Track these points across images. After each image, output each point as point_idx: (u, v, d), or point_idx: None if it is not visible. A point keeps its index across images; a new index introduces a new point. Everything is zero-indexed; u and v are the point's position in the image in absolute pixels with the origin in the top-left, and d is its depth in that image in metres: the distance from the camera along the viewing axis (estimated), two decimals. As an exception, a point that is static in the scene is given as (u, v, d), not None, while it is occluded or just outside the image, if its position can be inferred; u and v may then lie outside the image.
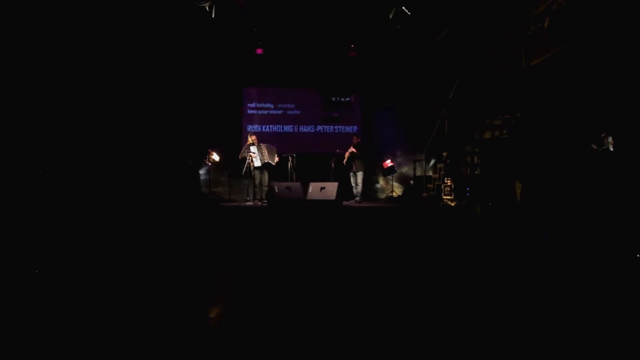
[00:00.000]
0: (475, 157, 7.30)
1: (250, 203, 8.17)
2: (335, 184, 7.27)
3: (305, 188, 7.51)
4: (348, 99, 10.70)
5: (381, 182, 10.75)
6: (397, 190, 10.25)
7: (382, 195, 10.47)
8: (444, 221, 5.90)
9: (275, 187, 7.21)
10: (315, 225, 5.55)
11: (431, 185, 8.09)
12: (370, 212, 6.76)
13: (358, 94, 10.69)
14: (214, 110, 10.14)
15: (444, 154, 7.39)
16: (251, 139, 8.24)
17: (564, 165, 5.69)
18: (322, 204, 7.14)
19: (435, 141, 7.82)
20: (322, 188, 7.29)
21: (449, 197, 6.83)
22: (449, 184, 6.81)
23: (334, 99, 10.66)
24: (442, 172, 7.39)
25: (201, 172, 10.09)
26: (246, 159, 8.09)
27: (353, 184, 8.40)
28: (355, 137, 8.56)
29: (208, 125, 10.06)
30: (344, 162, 8.45)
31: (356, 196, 8.44)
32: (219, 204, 8.70)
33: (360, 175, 8.39)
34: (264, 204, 7.90)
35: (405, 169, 10.63)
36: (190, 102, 9.94)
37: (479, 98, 7.26)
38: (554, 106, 5.75)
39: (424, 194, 7.95)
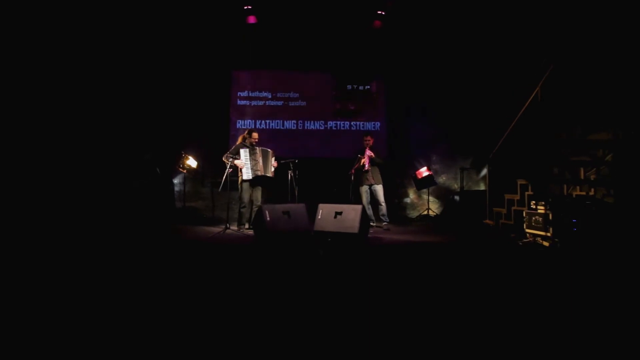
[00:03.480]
0: (583, 170, 4.75)
1: (234, 229, 5.77)
2: (358, 208, 4.75)
3: (311, 212, 5.02)
4: (369, 86, 8.24)
5: (412, 196, 8.27)
6: (434, 207, 7.80)
7: (414, 214, 7.99)
8: (537, 274, 3.47)
9: (266, 213, 4.70)
10: (328, 279, 3.18)
11: (503, 210, 5.45)
12: (411, 253, 4.31)
13: (382, 79, 8.20)
14: (191, 101, 7.79)
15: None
16: (250, 139, 5.84)
17: None
18: (337, 239, 4.64)
19: (505, 143, 5.30)
20: (338, 213, 4.78)
21: (540, 233, 4.31)
22: (540, 211, 4.29)
23: (350, 86, 8.21)
24: (529, 193, 4.82)
25: (175, 181, 7.78)
26: (226, 168, 5.67)
27: (365, 204, 5.91)
28: (369, 137, 6.20)
29: (183, 120, 7.72)
30: (365, 169, 6.02)
31: (382, 220, 6.00)
32: (191, 226, 6.23)
33: (380, 189, 5.99)
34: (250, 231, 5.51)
35: (443, 179, 8.16)
36: (160, 89, 7.60)
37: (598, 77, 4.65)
38: None
39: (488, 222, 5.41)
